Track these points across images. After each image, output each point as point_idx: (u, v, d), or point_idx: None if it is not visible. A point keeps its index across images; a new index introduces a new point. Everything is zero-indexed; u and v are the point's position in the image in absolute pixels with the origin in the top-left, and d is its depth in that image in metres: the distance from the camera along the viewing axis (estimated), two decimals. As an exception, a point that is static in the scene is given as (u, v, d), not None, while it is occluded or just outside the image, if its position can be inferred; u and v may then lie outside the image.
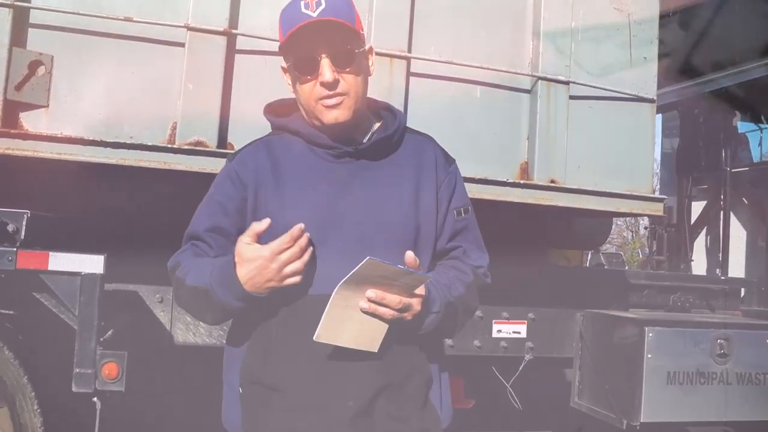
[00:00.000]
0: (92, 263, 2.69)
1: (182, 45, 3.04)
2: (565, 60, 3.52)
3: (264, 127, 3.05)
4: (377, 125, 1.72)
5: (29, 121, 2.94)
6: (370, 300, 1.42)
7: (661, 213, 3.68)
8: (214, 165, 3.05)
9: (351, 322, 1.44)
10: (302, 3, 1.55)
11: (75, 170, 2.97)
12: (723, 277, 5.20)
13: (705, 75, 5.39)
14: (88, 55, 2.97)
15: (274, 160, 1.65)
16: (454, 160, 1.77)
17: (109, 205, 3.20)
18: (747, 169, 5.56)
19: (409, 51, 3.32)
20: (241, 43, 3.13)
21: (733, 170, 5.46)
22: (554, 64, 3.50)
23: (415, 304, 1.47)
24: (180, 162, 3.00)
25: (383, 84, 3.19)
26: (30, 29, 2.94)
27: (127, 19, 2.95)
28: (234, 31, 3.09)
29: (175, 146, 2.99)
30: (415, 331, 1.54)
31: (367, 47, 1.66)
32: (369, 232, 1.57)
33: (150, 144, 2.96)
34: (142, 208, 3.34)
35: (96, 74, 2.98)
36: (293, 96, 1.69)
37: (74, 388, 2.71)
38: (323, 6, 1.53)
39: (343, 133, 1.63)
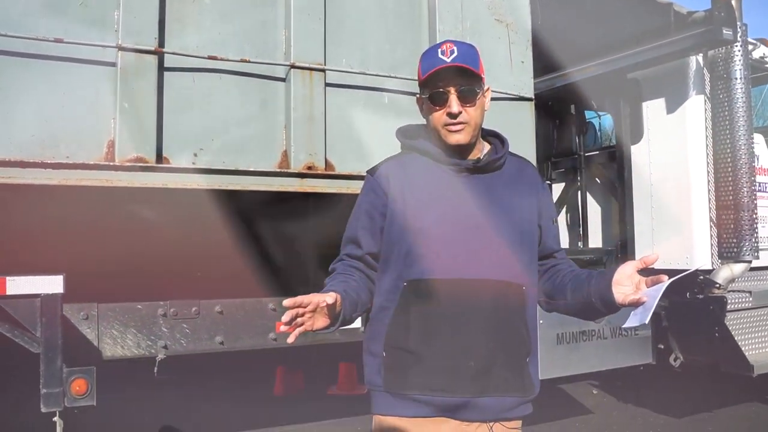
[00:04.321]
0: (51, 284, 2.74)
1: (114, 65, 3.11)
2: (458, 66, 3.94)
3: (197, 140, 3.24)
4: (487, 148, 2.08)
5: (-40, 148, 2.90)
6: None
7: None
8: (154, 180, 3.18)
9: None
10: (439, 50, 1.93)
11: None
12: (590, 248, 5.95)
13: (555, 71, 6.08)
14: (17, 77, 2.97)
15: (407, 174, 2.00)
16: (544, 178, 2.20)
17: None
18: (597, 152, 6.36)
19: (324, 63, 3.61)
20: (170, 61, 3.25)
21: (585, 154, 6.22)
22: (450, 71, 3.92)
23: None
24: (122, 179, 3.08)
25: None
26: (-46, 53, 2.90)
27: (58, 41, 2.99)
28: (163, 50, 3.21)
29: (116, 163, 3.06)
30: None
31: (485, 88, 2.00)
32: (486, 231, 1.94)
33: (92, 163, 3.02)
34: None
35: (27, 96, 2.98)
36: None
37: (43, 408, 2.74)
38: (455, 54, 1.91)
39: (461, 153, 2.00)
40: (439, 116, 1.95)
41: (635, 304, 1.82)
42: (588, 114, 6.80)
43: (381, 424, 2.01)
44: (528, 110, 4.26)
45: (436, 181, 1.99)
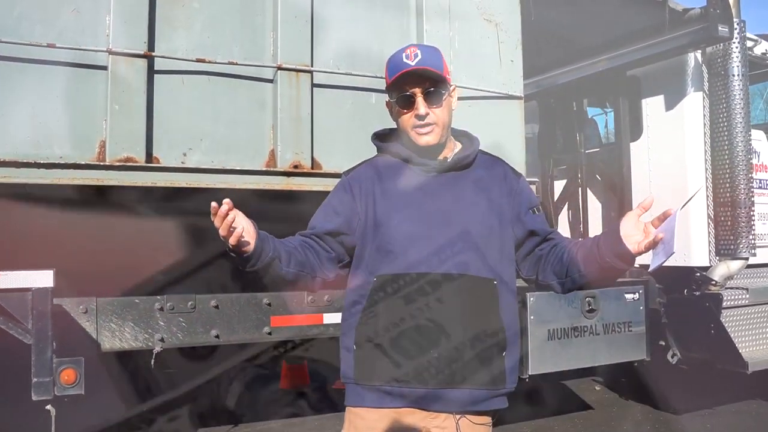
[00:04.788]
0: (42, 278, 2.87)
1: (105, 68, 3.24)
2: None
3: (186, 140, 3.35)
4: (458, 147, 2.15)
5: (-45, 148, 3.04)
6: None
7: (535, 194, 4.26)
8: (144, 179, 3.30)
9: None
10: (403, 54, 2.01)
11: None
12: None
13: (558, 69, 6.11)
14: (13, 81, 3.11)
15: (379, 175, 2.12)
16: (521, 174, 2.24)
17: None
18: (598, 150, 6.37)
19: (311, 64, 3.70)
20: (159, 64, 3.37)
21: (586, 151, 6.24)
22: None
23: None
24: (112, 178, 3.21)
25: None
26: (-50, 58, 3.04)
27: (51, 46, 3.12)
28: (153, 53, 3.33)
29: (107, 163, 3.19)
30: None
31: (451, 88, 2.08)
32: (453, 228, 2.02)
33: (84, 163, 3.15)
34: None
35: (22, 99, 3.12)
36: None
37: (34, 397, 2.88)
38: (419, 57, 1.99)
39: (432, 154, 2.08)
40: (408, 119, 2.03)
41: (652, 246, 1.81)
42: (596, 110, 6.82)
43: (351, 415, 2.10)
44: (517, 109, 4.30)
45: (405, 181, 2.08)
